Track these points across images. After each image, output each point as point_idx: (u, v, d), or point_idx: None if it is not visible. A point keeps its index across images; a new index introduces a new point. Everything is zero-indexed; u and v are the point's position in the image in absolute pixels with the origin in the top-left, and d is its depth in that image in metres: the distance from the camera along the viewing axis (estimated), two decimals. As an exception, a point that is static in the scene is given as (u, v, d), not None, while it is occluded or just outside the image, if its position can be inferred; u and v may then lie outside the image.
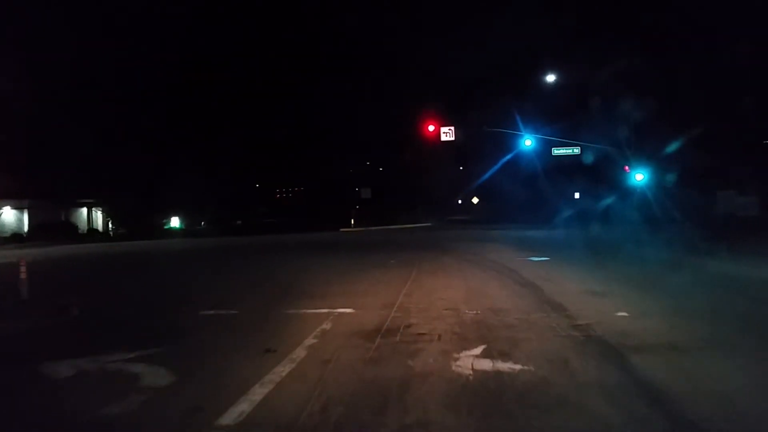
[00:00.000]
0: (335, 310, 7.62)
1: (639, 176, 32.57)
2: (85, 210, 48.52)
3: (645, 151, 33.09)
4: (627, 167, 34.14)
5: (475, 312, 7.38)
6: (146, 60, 41.99)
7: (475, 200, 64.11)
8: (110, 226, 50.13)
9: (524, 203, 45.71)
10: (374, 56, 48.49)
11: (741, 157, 32.17)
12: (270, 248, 23.25)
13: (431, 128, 32.91)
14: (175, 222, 54.10)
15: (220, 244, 27.94)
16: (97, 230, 47.19)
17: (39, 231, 39.13)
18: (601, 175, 38.63)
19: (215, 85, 45.32)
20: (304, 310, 7.76)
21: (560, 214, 38.04)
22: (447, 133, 33.05)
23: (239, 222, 54.22)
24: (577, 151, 35.95)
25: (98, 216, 50.17)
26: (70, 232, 42.06)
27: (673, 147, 31.28)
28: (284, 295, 9.24)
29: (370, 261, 15.13)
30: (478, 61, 45.89)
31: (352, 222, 40.89)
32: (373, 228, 38.89)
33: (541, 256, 15.09)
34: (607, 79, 34.37)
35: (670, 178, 32.71)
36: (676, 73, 33.46)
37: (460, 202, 69.76)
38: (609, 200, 36.45)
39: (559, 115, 38.76)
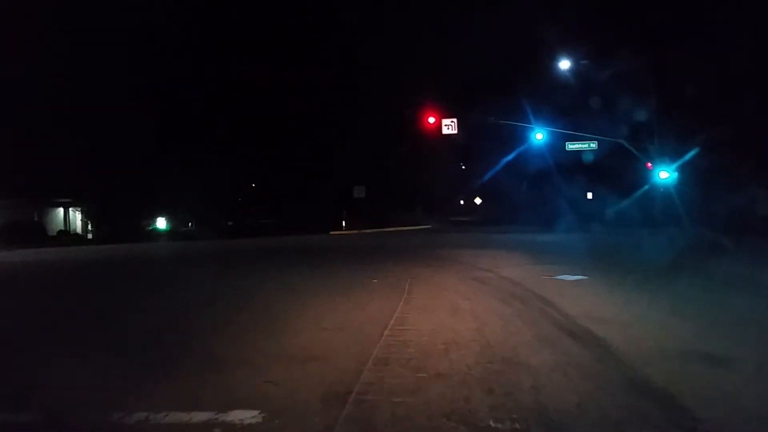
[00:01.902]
0: (222, 418, 3.77)
1: (663, 174, 28.95)
2: (61, 210, 44.94)
3: (670, 146, 29.44)
4: (649, 164, 30.53)
5: (512, 429, 3.54)
6: (130, 53, 38.26)
7: (477, 201, 60.74)
8: (89, 227, 46.41)
9: (530, 204, 41.96)
10: (371, 47, 44.58)
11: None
12: (238, 256, 19.46)
13: (431, 120, 29.61)
14: (161, 223, 50.21)
15: (192, 250, 24.20)
16: (68, 232, 43.46)
17: (4, 232, 35.83)
18: (617, 173, 34.74)
19: (203, 78, 41.49)
20: (165, 415, 3.89)
21: (573, 216, 34.40)
22: (449, 126, 29.72)
23: (230, 223, 50.32)
24: (593, 145, 32.36)
25: (77, 216, 46.48)
26: (37, 233, 38.70)
27: (701, 140, 27.66)
28: (171, 360, 5.41)
29: (346, 279, 11.29)
30: (483, 50, 41.96)
31: (344, 224, 36.93)
32: (367, 231, 35.01)
33: (573, 273, 11.27)
34: (626, 68, 30.52)
35: (698, 175, 28.90)
36: (706, 59, 29.53)
37: (462, 202, 66.21)
38: (628, 200, 32.69)
39: (571, 109, 34.86)
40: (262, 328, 6.70)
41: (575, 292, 9.15)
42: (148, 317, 7.95)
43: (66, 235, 42.49)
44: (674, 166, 28.87)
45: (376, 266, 13.56)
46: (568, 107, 34.90)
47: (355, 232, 34.57)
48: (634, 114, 30.30)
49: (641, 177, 31.06)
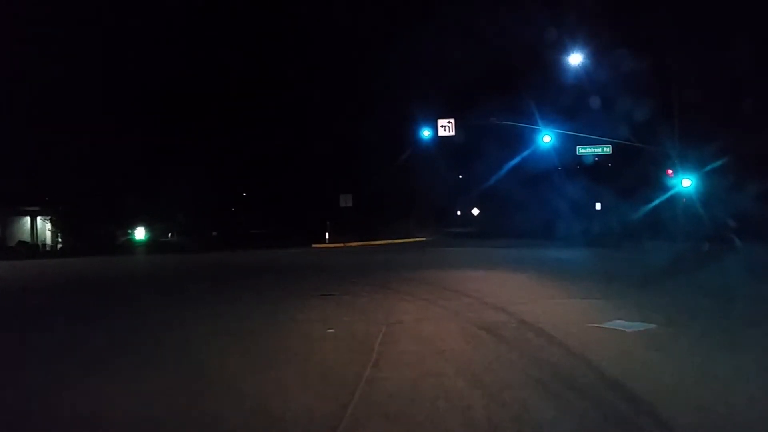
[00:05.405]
0: None
1: (686, 182, 25.63)
2: (28, 219, 41.34)
3: (693, 151, 26.17)
4: (670, 170, 27.18)
5: None
6: (108, 56, 35.55)
7: (475, 211, 57.41)
8: (58, 238, 42.65)
9: (533, 214, 38.45)
10: (365, 48, 41.20)
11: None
12: (189, 278, 15.83)
13: (426, 132, 26.93)
14: (139, 233, 46.34)
15: (147, 266, 20.60)
16: (29, 243, 39.73)
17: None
18: (629, 180, 31.14)
19: (188, 82, 38.32)
20: None
21: (582, 228, 30.90)
22: (445, 127, 26.61)
23: (215, 233, 46.62)
24: (608, 149, 28.95)
25: (46, 226, 42.67)
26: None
27: (729, 144, 24.42)
28: None
29: (291, 326, 7.57)
30: (483, 47, 38.78)
31: (327, 236, 33.08)
32: (353, 244, 31.23)
33: (628, 316, 7.56)
34: (644, 64, 27.09)
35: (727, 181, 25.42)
36: (735, 48, 26.07)
37: (459, 213, 62.77)
38: (644, 210, 29.23)
39: (579, 110, 31.24)
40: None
41: (654, 361, 5.44)
42: None
43: (24, 245, 38.77)
44: (700, 173, 25.56)
45: (343, 300, 9.81)
46: (575, 109, 31.37)
47: (340, 245, 30.79)
48: (652, 116, 26.97)
49: (658, 184, 27.71)
